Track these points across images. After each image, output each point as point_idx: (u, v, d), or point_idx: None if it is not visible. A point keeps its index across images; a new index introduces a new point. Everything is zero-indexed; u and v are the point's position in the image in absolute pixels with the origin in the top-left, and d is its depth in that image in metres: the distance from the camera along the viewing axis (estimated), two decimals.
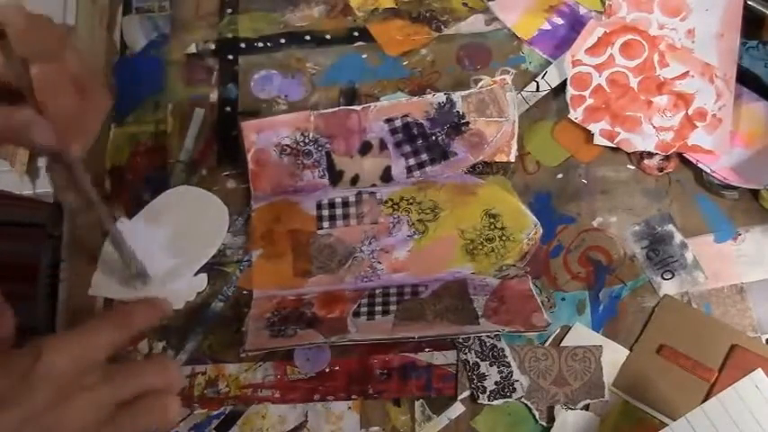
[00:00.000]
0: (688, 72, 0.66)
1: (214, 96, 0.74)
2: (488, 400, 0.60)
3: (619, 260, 0.64)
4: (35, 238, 0.73)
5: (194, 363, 0.65)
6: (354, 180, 0.68)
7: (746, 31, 0.66)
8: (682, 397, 0.59)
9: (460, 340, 0.62)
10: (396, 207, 0.67)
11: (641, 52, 0.67)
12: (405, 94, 0.71)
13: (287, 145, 0.69)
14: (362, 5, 0.75)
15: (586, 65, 0.68)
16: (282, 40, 0.75)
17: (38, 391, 0.42)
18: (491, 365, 0.61)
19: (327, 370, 0.64)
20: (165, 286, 0.65)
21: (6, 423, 0.40)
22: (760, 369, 0.58)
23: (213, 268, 0.68)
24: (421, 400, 0.62)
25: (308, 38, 0.75)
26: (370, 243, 0.66)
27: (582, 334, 0.62)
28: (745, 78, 0.66)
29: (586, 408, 0.60)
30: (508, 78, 0.69)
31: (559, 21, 0.72)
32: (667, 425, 0.58)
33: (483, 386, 0.61)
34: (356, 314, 0.63)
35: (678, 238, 0.64)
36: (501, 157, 0.67)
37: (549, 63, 0.70)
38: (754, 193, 0.64)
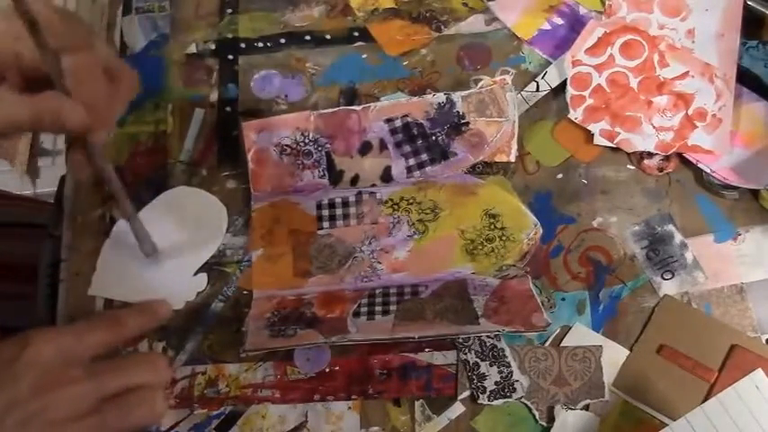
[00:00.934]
0: (688, 72, 0.66)
1: (214, 96, 0.74)
2: (488, 401, 0.60)
3: (619, 260, 0.64)
4: (35, 238, 0.73)
5: (194, 363, 0.65)
6: (354, 180, 0.68)
7: (746, 31, 0.66)
8: (682, 397, 0.59)
9: (460, 340, 0.62)
10: (396, 207, 0.67)
11: (641, 52, 0.67)
12: (405, 95, 0.71)
13: (287, 145, 0.69)
14: (362, 5, 0.75)
15: (586, 65, 0.68)
16: (282, 40, 0.75)
17: (22, 377, 0.42)
18: (491, 365, 0.61)
19: (327, 370, 0.63)
20: (171, 279, 0.67)
21: None
22: (760, 369, 0.58)
23: (213, 268, 0.68)
24: (421, 400, 0.62)
25: (307, 38, 0.75)
26: (370, 243, 0.66)
27: (582, 334, 0.62)
28: (745, 78, 0.66)
29: (586, 408, 0.60)
30: (508, 78, 0.69)
31: (559, 21, 0.72)
32: (667, 425, 0.58)
33: (483, 386, 0.61)
34: (356, 314, 0.63)
35: (678, 238, 0.64)
36: (501, 158, 0.67)
37: (549, 63, 0.70)
38: (754, 193, 0.64)
